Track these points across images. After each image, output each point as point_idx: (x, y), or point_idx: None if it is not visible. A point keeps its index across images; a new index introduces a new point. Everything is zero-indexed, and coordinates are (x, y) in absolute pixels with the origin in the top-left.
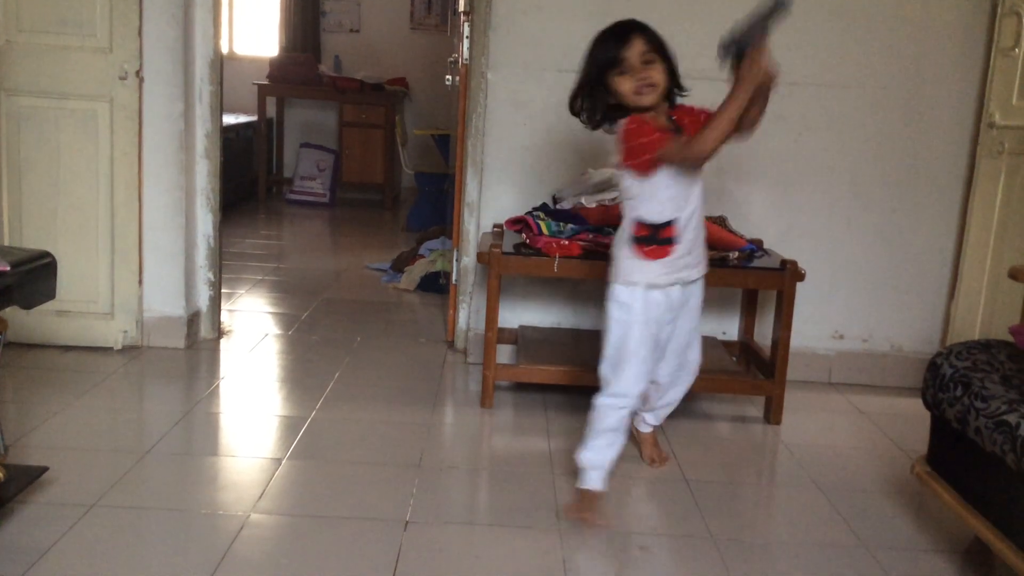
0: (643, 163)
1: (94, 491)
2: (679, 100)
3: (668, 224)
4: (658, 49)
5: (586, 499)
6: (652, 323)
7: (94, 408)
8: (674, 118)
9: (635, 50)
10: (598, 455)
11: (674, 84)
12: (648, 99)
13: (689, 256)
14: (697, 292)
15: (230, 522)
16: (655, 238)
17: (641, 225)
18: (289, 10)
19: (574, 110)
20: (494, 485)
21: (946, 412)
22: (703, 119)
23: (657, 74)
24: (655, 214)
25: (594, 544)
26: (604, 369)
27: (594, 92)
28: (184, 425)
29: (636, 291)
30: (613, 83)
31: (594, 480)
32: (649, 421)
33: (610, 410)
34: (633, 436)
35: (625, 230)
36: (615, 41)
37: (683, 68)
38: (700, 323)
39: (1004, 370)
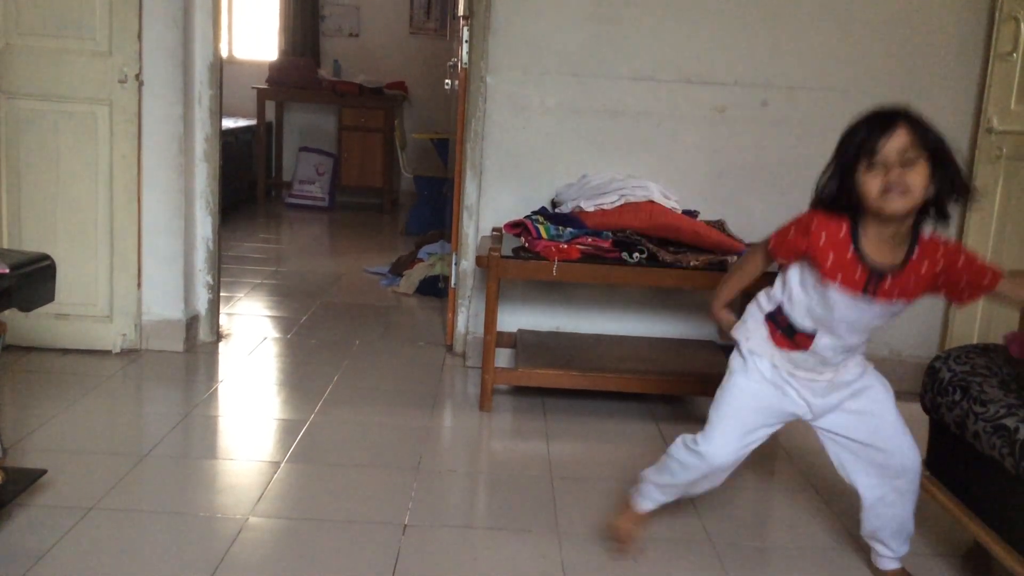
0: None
1: (92, 494)
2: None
3: (808, 335)
4: (927, 148)
5: (630, 515)
6: (760, 394)
7: (93, 411)
8: (912, 257)
9: (895, 143)
10: (654, 491)
11: (940, 202)
12: (894, 206)
13: (820, 365)
14: (858, 389)
15: (228, 525)
16: (790, 333)
17: (781, 311)
18: (288, 14)
19: (818, 185)
20: (493, 488)
21: (945, 416)
22: (963, 268)
23: (917, 179)
24: (796, 316)
25: (592, 548)
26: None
27: (843, 179)
28: (183, 428)
29: (752, 357)
30: (859, 177)
31: (645, 503)
32: (881, 553)
33: (681, 454)
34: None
35: (774, 296)
36: (876, 127)
37: (682, 74)
38: (900, 425)
39: (1002, 374)
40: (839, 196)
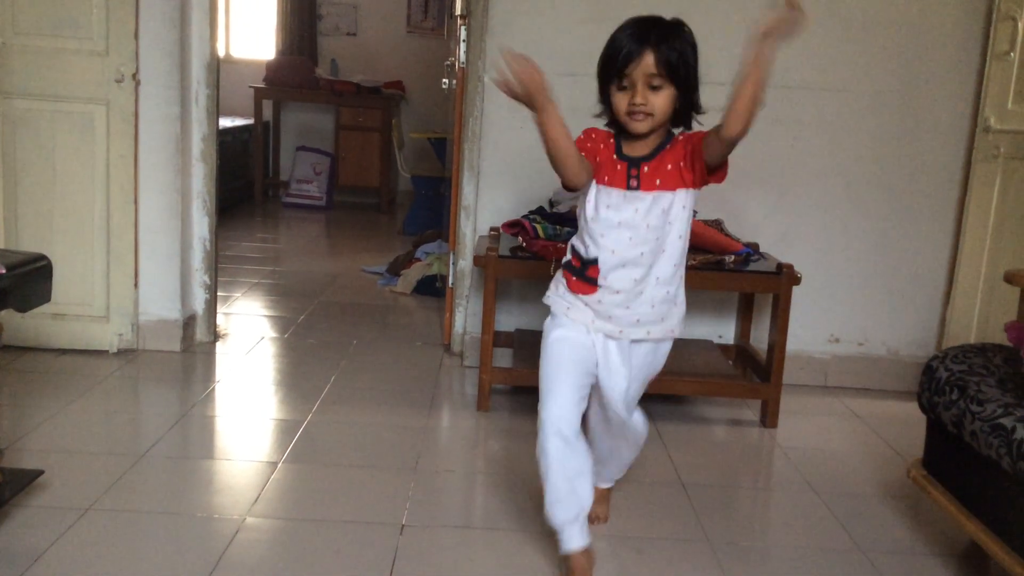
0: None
1: (89, 495)
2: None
3: (592, 263)
4: (672, 72)
5: (573, 562)
6: (572, 349)
7: (89, 411)
8: (665, 148)
9: (641, 67)
10: (559, 514)
11: (685, 113)
12: (638, 127)
13: (626, 310)
14: (644, 353)
15: (226, 526)
16: (582, 272)
17: (573, 251)
18: (286, 13)
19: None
20: (490, 489)
21: (942, 415)
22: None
23: (660, 102)
24: (583, 246)
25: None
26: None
27: (602, 91)
28: (180, 428)
29: (553, 317)
30: (611, 92)
31: (570, 538)
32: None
33: (538, 446)
34: None
35: (570, 245)
36: (625, 47)
37: None
38: (641, 389)
39: (1000, 374)
40: (605, 112)
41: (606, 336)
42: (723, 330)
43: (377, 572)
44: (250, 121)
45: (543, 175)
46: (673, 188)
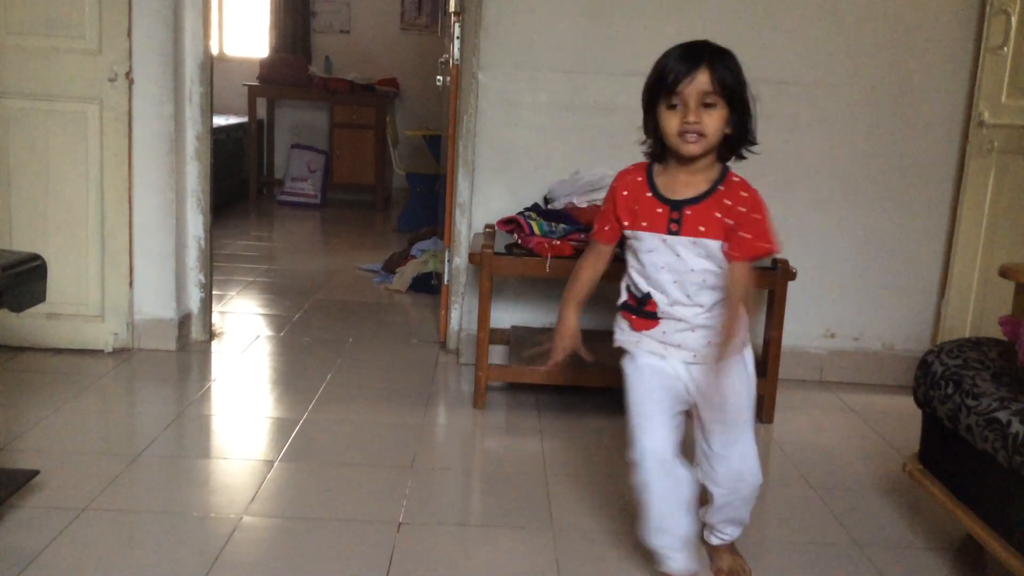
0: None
1: (85, 494)
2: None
3: (648, 297)
4: (727, 91)
5: None
6: (653, 370)
7: (85, 411)
8: (717, 190)
9: (695, 86)
10: (659, 540)
11: (739, 139)
12: (689, 148)
13: (692, 334)
14: (732, 369)
15: (222, 525)
16: (640, 309)
17: (627, 290)
18: (279, 11)
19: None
20: (487, 486)
21: (937, 410)
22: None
23: (713, 122)
24: (634, 285)
25: (589, 546)
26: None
27: (647, 117)
28: (175, 428)
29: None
30: (660, 115)
31: (672, 562)
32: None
33: (635, 481)
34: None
35: (621, 288)
36: (679, 67)
37: None
38: (745, 429)
39: (995, 368)
40: (650, 136)
41: (686, 363)
42: None
43: (374, 570)
44: (244, 119)
45: (538, 172)
46: (716, 237)
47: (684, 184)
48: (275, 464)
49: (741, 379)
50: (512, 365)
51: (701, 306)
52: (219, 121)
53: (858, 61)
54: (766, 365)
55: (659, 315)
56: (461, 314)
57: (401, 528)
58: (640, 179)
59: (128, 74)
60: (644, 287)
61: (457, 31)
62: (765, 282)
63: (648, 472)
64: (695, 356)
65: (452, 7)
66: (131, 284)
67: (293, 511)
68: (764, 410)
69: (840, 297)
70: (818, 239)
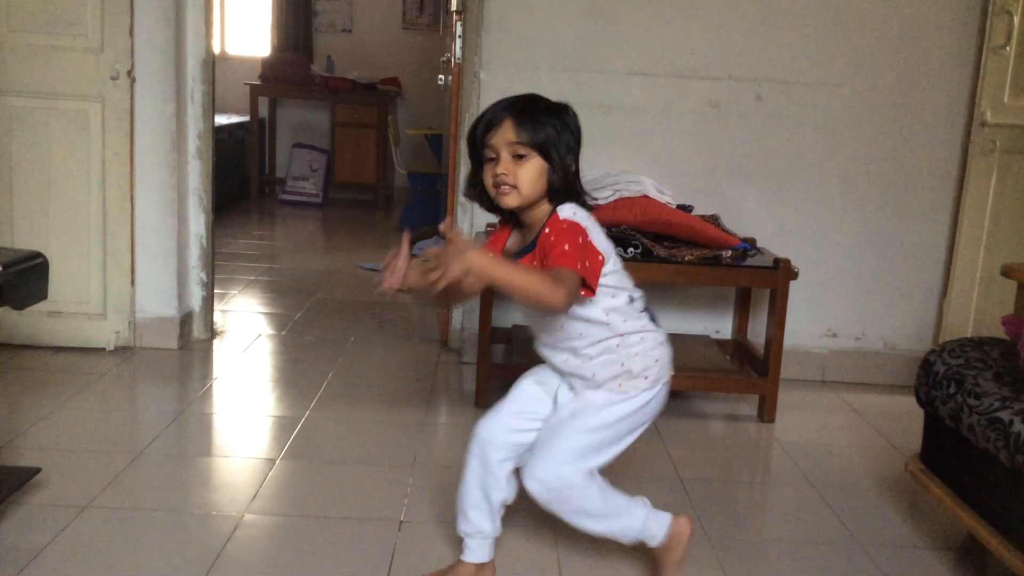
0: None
1: (87, 492)
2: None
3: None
4: (539, 143)
5: None
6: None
7: (86, 409)
8: (542, 233)
9: (503, 137)
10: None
11: (563, 186)
12: (506, 200)
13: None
14: (568, 399)
15: (224, 523)
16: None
17: None
18: (281, 10)
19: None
20: None
21: (939, 409)
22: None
23: (526, 173)
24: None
25: (589, 543)
26: None
27: (474, 170)
28: (177, 426)
29: None
30: (484, 170)
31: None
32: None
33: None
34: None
35: None
36: (487, 116)
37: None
38: (566, 448)
39: (997, 367)
40: (482, 194)
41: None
42: (720, 325)
43: (375, 568)
44: (246, 118)
45: None
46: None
47: (527, 236)
48: (276, 462)
49: (588, 413)
50: (513, 364)
51: (571, 351)
52: (221, 120)
53: (860, 61)
54: (768, 365)
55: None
56: (463, 313)
57: (402, 526)
58: (504, 235)
59: (130, 72)
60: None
61: (459, 30)
62: (767, 282)
63: (473, 455)
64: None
65: (454, 6)
66: (133, 282)
67: (294, 509)
68: (766, 409)
69: (842, 296)
70: (820, 238)
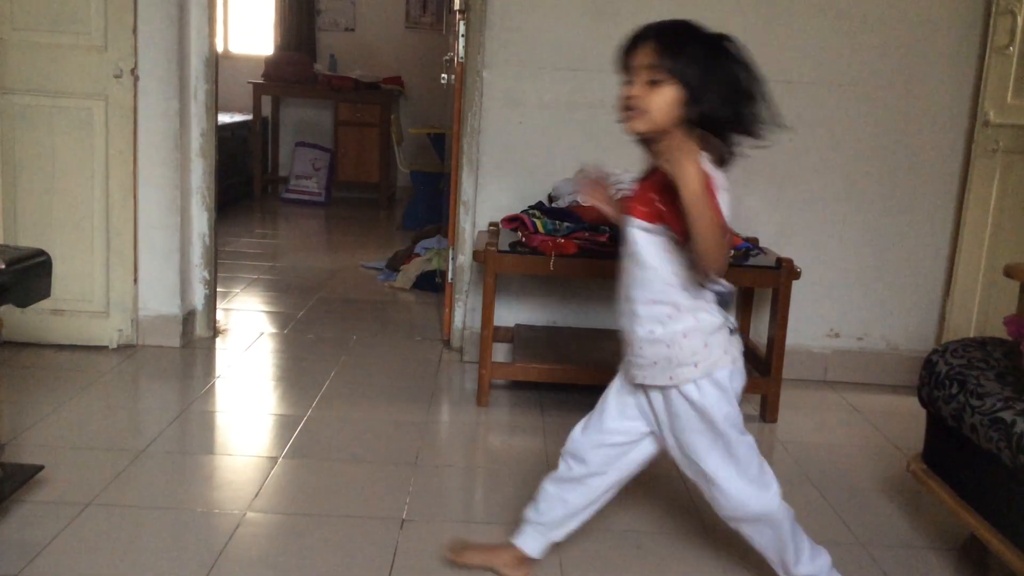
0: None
1: (89, 490)
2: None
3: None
4: (676, 68)
5: None
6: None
7: (89, 407)
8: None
9: (639, 59)
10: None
11: (709, 127)
12: (630, 125)
13: (631, 351)
14: (662, 405)
15: (226, 520)
16: None
17: None
18: (284, 9)
19: None
20: (490, 483)
21: (942, 409)
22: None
23: (654, 99)
24: None
25: (590, 542)
26: None
27: None
28: (180, 424)
29: None
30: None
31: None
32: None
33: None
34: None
35: None
36: (632, 39)
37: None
38: (704, 466)
39: (999, 367)
40: None
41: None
42: None
43: (377, 567)
44: (249, 117)
45: (542, 170)
46: (646, 219)
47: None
48: (279, 460)
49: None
50: (515, 363)
51: (631, 305)
52: (224, 119)
53: (863, 61)
54: (770, 364)
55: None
56: (465, 312)
57: (404, 525)
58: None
59: (133, 71)
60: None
61: (462, 29)
62: (769, 281)
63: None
64: (628, 376)
65: (457, 5)
66: (136, 280)
67: (297, 507)
68: (768, 409)
69: (844, 297)
70: (822, 238)
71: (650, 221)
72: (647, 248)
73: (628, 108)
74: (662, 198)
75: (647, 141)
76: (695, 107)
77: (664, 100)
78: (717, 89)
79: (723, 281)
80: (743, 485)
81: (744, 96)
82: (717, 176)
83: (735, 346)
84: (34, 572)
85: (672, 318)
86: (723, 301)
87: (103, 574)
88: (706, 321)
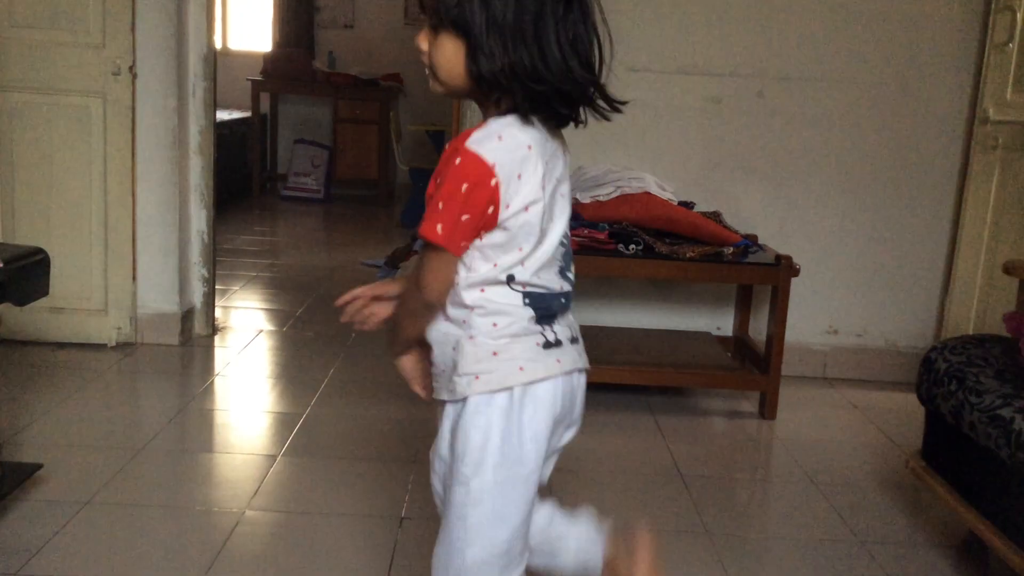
0: None
1: (88, 488)
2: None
3: None
4: (449, 7)
5: None
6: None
7: (88, 405)
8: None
9: (424, 2)
10: None
11: (495, 82)
12: (430, 86)
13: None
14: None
15: (225, 519)
16: None
17: None
18: (283, 6)
19: None
20: None
21: (940, 407)
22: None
23: (438, 52)
24: None
25: None
26: None
27: None
28: (178, 422)
29: None
30: None
31: None
32: None
33: None
34: None
35: None
36: None
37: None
38: (453, 495)
39: (998, 365)
40: None
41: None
42: (721, 322)
43: (377, 564)
44: (247, 114)
45: None
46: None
47: None
48: (278, 458)
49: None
50: None
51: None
52: (222, 116)
53: (862, 57)
54: (769, 361)
55: None
56: None
57: (404, 523)
58: None
59: (131, 68)
60: None
61: None
62: (768, 278)
63: None
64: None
65: None
66: (134, 278)
67: (296, 505)
68: (767, 406)
69: (843, 293)
70: (821, 235)
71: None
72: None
73: (426, 65)
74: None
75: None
76: (475, 63)
77: (444, 53)
78: (501, 34)
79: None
80: None
81: (539, 42)
82: (487, 147)
83: None
84: (33, 571)
85: (465, 321)
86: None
87: (102, 573)
88: (504, 323)
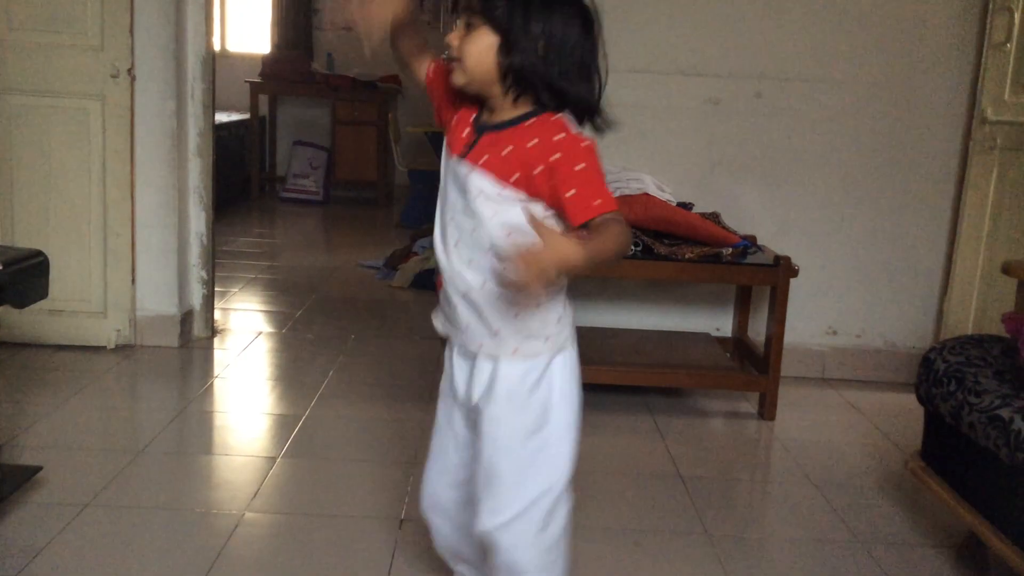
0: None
1: (88, 490)
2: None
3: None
4: (491, 8)
5: None
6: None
7: (87, 407)
8: (523, 123)
9: (460, 2)
10: None
11: (520, 77)
12: (452, 79)
13: (460, 319)
14: (484, 382)
15: (224, 521)
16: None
17: None
18: (281, 7)
19: None
20: None
21: (940, 407)
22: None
23: (470, 47)
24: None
25: (588, 542)
26: None
27: None
28: (178, 424)
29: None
30: None
31: None
32: None
33: None
34: None
35: None
36: None
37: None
38: (509, 467)
39: (997, 365)
40: None
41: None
42: (720, 323)
43: (376, 566)
44: (246, 116)
45: None
46: (498, 176)
47: (497, 117)
48: (277, 460)
49: (514, 406)
50: None
51: (476, 271)
52: (221, 118)
53: (861, 58)
54: (768, 362)
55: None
56: None
57: (403, 524)
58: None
59: (130, 70)
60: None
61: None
62: (767, 279)
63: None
64: (474, 342)
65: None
66: (133, 280)
67: (295, 507)
68: (766, 407)
69: (842, 294)
70: (820, 236)
71: (502, 181)
72: (486, 209)
73: (451, 59)
74: (519, 156)
75: (481, 100)
76: (507, 57)
77: (477, 46)
78: (536, 41)
79: None
80: None
81: (569, 59)
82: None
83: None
84: (33, 573)
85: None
86: None
87: (102, 575)
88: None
